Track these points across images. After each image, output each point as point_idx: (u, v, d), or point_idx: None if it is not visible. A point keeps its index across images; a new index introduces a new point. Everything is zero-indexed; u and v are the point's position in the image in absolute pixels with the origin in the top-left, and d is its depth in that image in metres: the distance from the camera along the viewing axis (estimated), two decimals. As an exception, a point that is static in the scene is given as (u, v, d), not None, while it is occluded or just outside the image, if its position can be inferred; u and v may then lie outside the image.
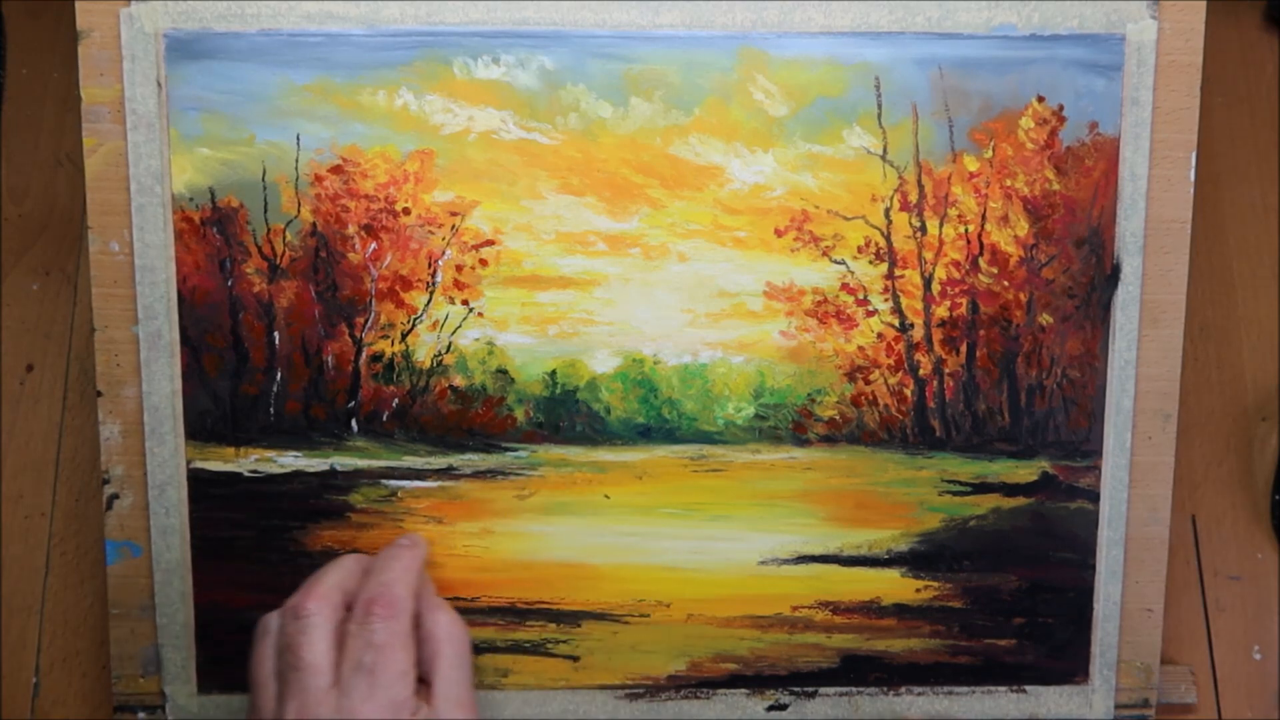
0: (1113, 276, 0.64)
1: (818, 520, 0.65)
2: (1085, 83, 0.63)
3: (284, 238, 0.63)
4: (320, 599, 0.55)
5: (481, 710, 0.65)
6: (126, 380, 0.63)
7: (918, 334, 0.65)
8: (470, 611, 0.65)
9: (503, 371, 0.64)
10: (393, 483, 0.64)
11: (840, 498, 0.65)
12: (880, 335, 0.65)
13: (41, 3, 0.74)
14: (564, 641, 0.65)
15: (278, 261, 0.63)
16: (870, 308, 0.65)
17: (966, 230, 0.64)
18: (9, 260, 0.72)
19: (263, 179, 0.63)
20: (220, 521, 0.64)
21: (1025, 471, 0.65)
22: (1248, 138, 0.75)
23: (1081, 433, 0.65)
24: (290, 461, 0.64)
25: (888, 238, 0.64)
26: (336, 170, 0.63)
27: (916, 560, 0.65)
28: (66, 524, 0.69)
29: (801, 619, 0.65)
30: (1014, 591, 0.66)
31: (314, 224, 0.63)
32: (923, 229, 0.64)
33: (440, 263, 0.64)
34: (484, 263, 0.64)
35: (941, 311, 0.65)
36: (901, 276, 0.64)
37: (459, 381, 0.64)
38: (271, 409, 0.64)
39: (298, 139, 0.62)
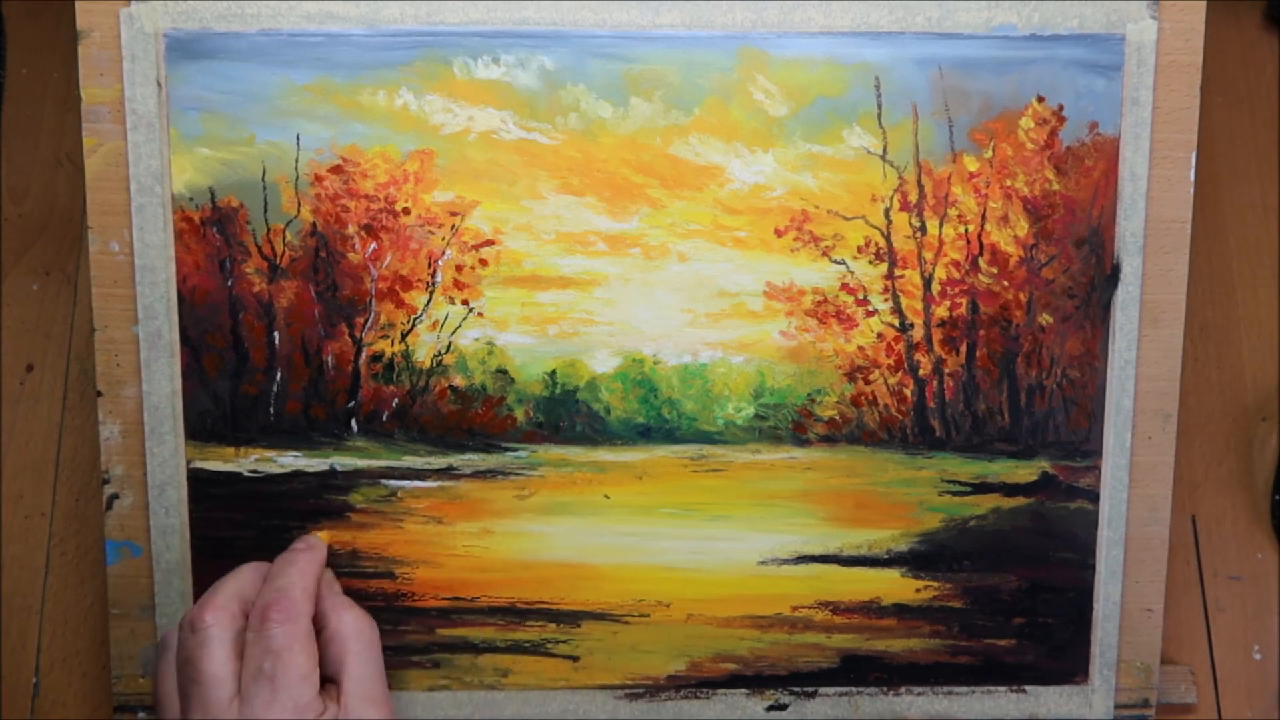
0: (1113, 276, 0.64)
1: (818, 520, 0.65)
2: (1085, 83, 0.63)
3: (284, 238, 0.63)
4: (216, 610, 0.55)
5: (482, 710, 0.65)
6: (126, 380, 0.63)
7: (918, 334, 0.65)
8: (470, 611, 0.65)
9: (503, 371, 0.64)
10: (393, 483, 0.64)
11: (840, 498, 0.65)
12: (880, 335, 0.65)
13: (41, 3, 0.74)
14: (564, 641, 0.65)
15: (278, 261, 0.63)
16: (870, 308, 0.65)
17: (966, 230, 0.64)
18: (9, 260, 0.72)
19: (263, 179, 0.63)
20: (220, 521, 0.64)
21: (1025, 471, 0.65)
22: (1248, 138, 0.75)
23: (1081, 433, 0.65)
24: (290, 461, 0.64)
25: (888, 238, 0.64)
26: (336, 170, 0.63)
27: (916, 560, 0.65)
28: (66, 524, 0.69)
29: (801, 619, 0.65)
30: (1014, 591, 0.66)
31: (314, 224, 0.63)
32: (923, 229, 0.64)
33: (440, 263, 0.64)
34: (484, 263, 0.64)
35: (941, 311, 0.65)
36: (901, 276, 0.64)
37: (459, 381, 0.64)
38: (271, 409, 0.64)
39: (298, 139, 0.62)
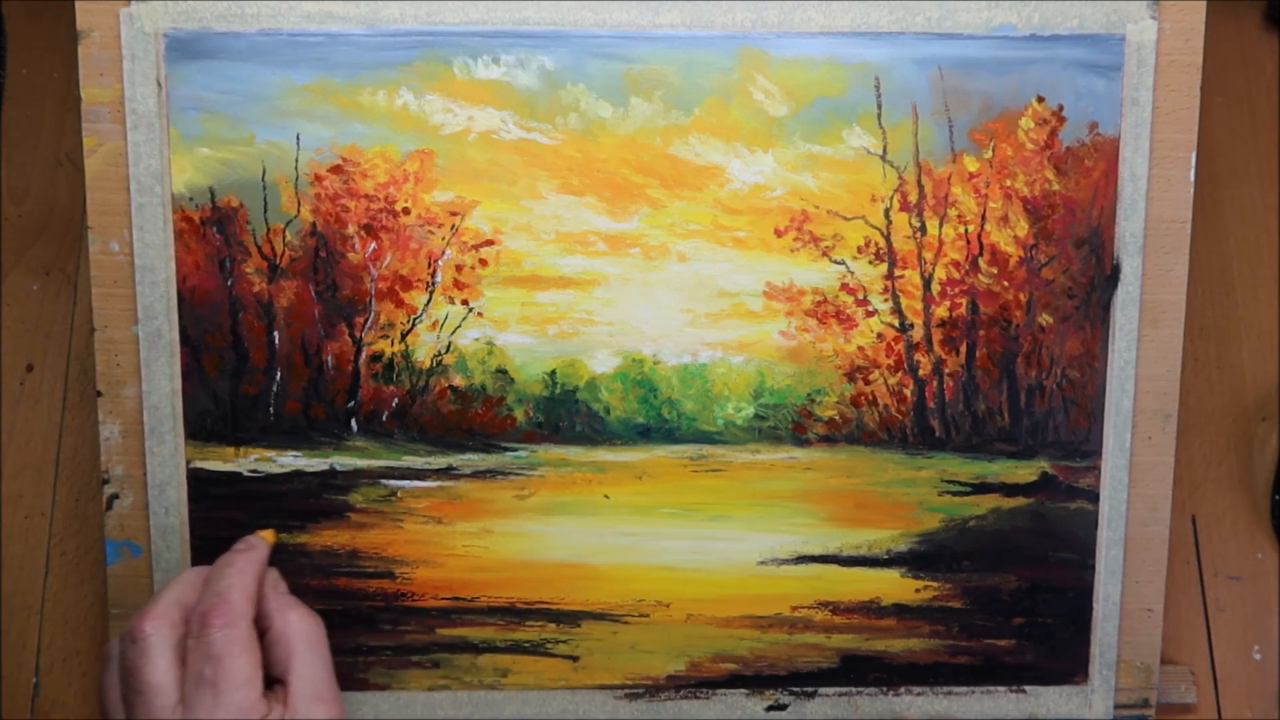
0: (1113, 276, 0.64)
1: (817, 520, 0.65)
2: (1085, 83, 0.63)
3: (284, 237, 0.63)
4: (156, 618, 0.54)
5: (482, 710, 0.65)
6: (126, 380, 0.63)
7: (917, 334, 0.65)
8: (470, 611, 0.65)
9: (502, 371, 0.64)
10: (392, 483, 0.64)
11: (840, 498, 0.65)
12: (880, 335, 0.65)
13: (41, 3, 0.74)
14: (564, 641, 0.65)
15: (277, 261, 0.63)
16: (870, 308, 0.65)
17: (966, 230, 0.64)
18: (9, 260, 0.72)
19: (263, 179, 0.63)
20: (220, 521, 0.64)
21: (1025, 472, 0.65)
22: (1248, 138, 0.75)
23: (1081, 433, 0.65)
24: (290, 461, 0.64)
25: (887, 238, 0.64)
26: (336, 170, 0.63)
27: (916, 560, 0.65)
28: (66, 524, 0.69)
29: (801, 619, 0.65)
30: (1014, 591, 0.66)
31: (314, 224, 0.63)
32: (922, 229, 0.64)
33: (440, 263, 0.64)
34: (484, 263, 0.64)
35: (941, 312, 0.65)
36: (901, 276, 0.64)
37: (459, 381, 0.64)
38: (271, 409, 0.64)
39: (298, 139, 0.62)
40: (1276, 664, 0.70)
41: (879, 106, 0.63)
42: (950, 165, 0.64)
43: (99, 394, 0.63)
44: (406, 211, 0.63)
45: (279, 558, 0.63)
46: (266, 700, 0.54)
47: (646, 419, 0.65)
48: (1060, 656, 0.66)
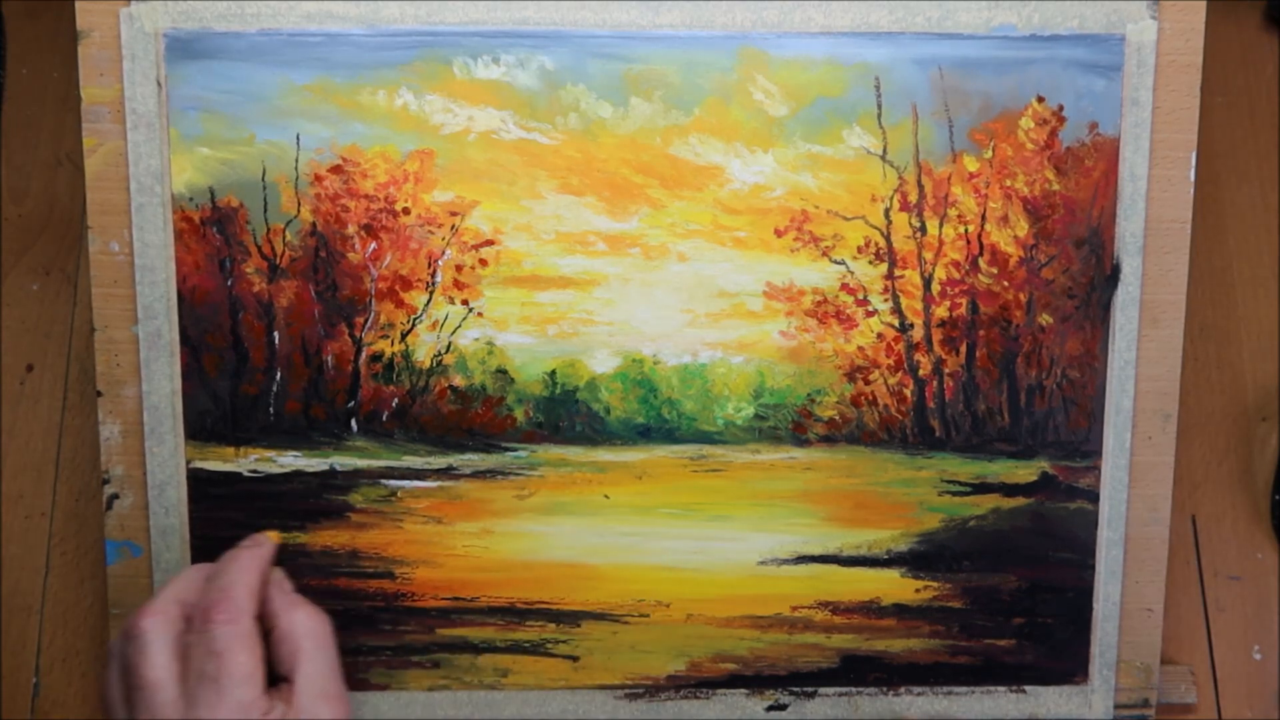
0: (1113, 277, 0.64)
1: (817, 520, 0.65)
2: (1085, 83, 0.63)
3: (284, 237, 0.63)
4: (154, 614, 0.54)
5: (482, 710, 0.65)
6: (126, 380, 0.63)
7: (917, 334, 0.65)
8: (470, 611, 0.65)
9: (502, 371, 0.64)
10: (392, 483, 0.64)
11: (840, 498, 0.65)
12: (880, 335, 0.65)
13: (41, 3, 0.74)
14: (564, 641, 0.65)
15: (277, 261, 0.63)
16: (870, 308, 0.65)
17: (966, 230, 0.64)
18: (9, 260, 0.72)
19: (263, 179, 0.63)
20: (220, 521, 0.64)
21: (1025, 472, 0.65)
22: (1248, 138, 0.75)
23: (1081, 433, 0.65)
24: (290, 461, 0.64)
25: (887, 238, 0.64)
26: (336, 170, 0.63)
27: (916, 560, 0.65)
28: (66, 524, 0.69)
29: (801, 619, 0.65)
30: (1014, 591, 0.66)
31: (314, 224, 0.63)
32: (922, 229, 0.64)
33: (440, 263, 0.64)
34: (484, 263, 0.64)
35: (941, 312, 0.65)
36: (901, 276, 0.64)
37: (459, 381, 0.64)
38: (271, 409, 0.64)
39: (298, 139, 0.62)
40: (1276, 664, 0.70)
41: (879, 106, 0.63)
42: (950, 165, 0.64)
43: (99, 394, 0.63)
44: (406, 211, 0.63)
45: (280, 558, 0.63)
46: (269, 697, 0.54)
47: (646, 419, 0.65)
48: (1060, 656, 0.66)
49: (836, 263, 0.64)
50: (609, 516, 0.65)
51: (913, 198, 0.64)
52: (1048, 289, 0.65)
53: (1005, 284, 0.65)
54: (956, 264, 0.64)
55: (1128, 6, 0.63)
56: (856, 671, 0.66)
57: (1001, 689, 0.66)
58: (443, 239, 0.63)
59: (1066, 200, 0.64)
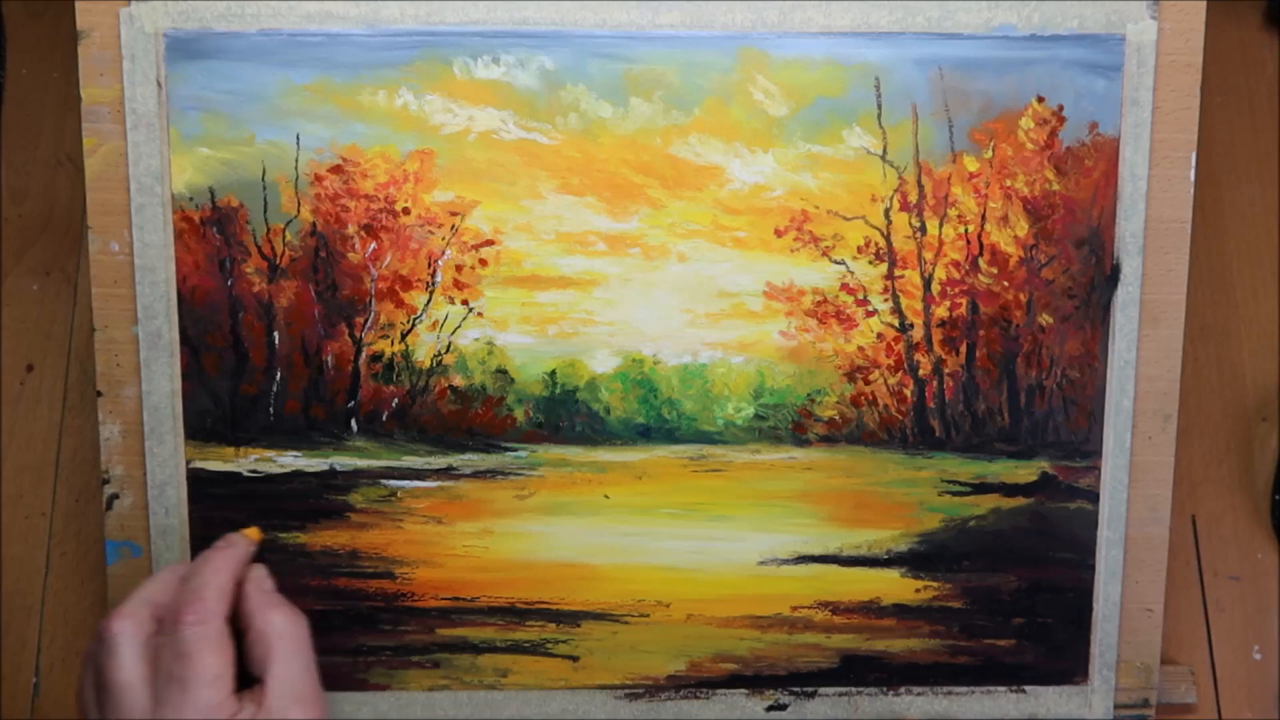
0: (1113, 276, 0.64)
1: (817, 520, 0.65)
2: (1085, 83, 0.63)
3: (284, 237, 0.63)
4: (124, 617, 0.54)
5: (482, 710, 0.65)
6: (126, 380, 0.63)
7: (917, 334, 0.65)
8: (470, 611, 0.65)
9: (502, 371, 0.64)
10: (392, 483, 0.64)
11: (840, 498, 0.65)
12: (880, 335, 0.65)
13: (41, 3, 0.74)
14: (564, 641, 0.65)
15: (277, 261, 0.63)
16: (870, 308, 0.65)
17: (966, 230, 0.64)
18: (9, 260, 0.72)
19: (263, 179, 0.63)
20: (220, 521, 0.64)
21: (1025, 472, 0.65)
22: (1248, 138, 0.75)
23: (1081, 433, 0.65)
24: (290, 461, 0.64)
25: (887, 238, 0.64)
26: (336, 170, 0.63)
27: (916, 560, 0.65)
28: (66, 524, 0.69)
29: (801, 619, 0.65)
30: (1014, 591, 0.66)
31: (314, 224, 0.63)
32: (922, 229, 0.64)
33: (440, 263, 0.64)
34: (484, 263, 0.64)
35: (941, 312, 0.65)
36: (901, 277, 0.64)
37: (459, 381, 0.64)
38: (271, 409, 0.64)
39: (298, 139, 0.62)
40: (1276, 664, 0.70)
41: (879, 106, 0.63)
42: (950, 165, 0.64)
43: (99, 394, 0.63)
44: (406, 211, 0.63)
45: (278, 558, 0.63)
46: (239, 699, 0.53)
47: (646, 419, 0.65)
48: (1060, 656, 0.66)
49: (836, 263, 0.64)
50: (609, 516, 0.65)
51: (913, 198, 0.64)
52: (1048, 289, 0.65)
53: (1005, 284, 0.65)
54: (956, 264, 0.64)
55: (1128, 6, 0.63)
56: (856, 671, 0.66)
57: (1001, 689, 0.66)
58: (443, 239, 0.63)
59: (1066, 200, 0.64)
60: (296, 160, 0.63)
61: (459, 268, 0.64)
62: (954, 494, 0.65)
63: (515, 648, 0.65)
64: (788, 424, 0.65)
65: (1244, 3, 0.76)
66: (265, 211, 0.63)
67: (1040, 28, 0.63)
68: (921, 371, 0.65)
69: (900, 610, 0.66)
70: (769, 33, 0.62)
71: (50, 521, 0.69)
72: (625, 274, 0.64)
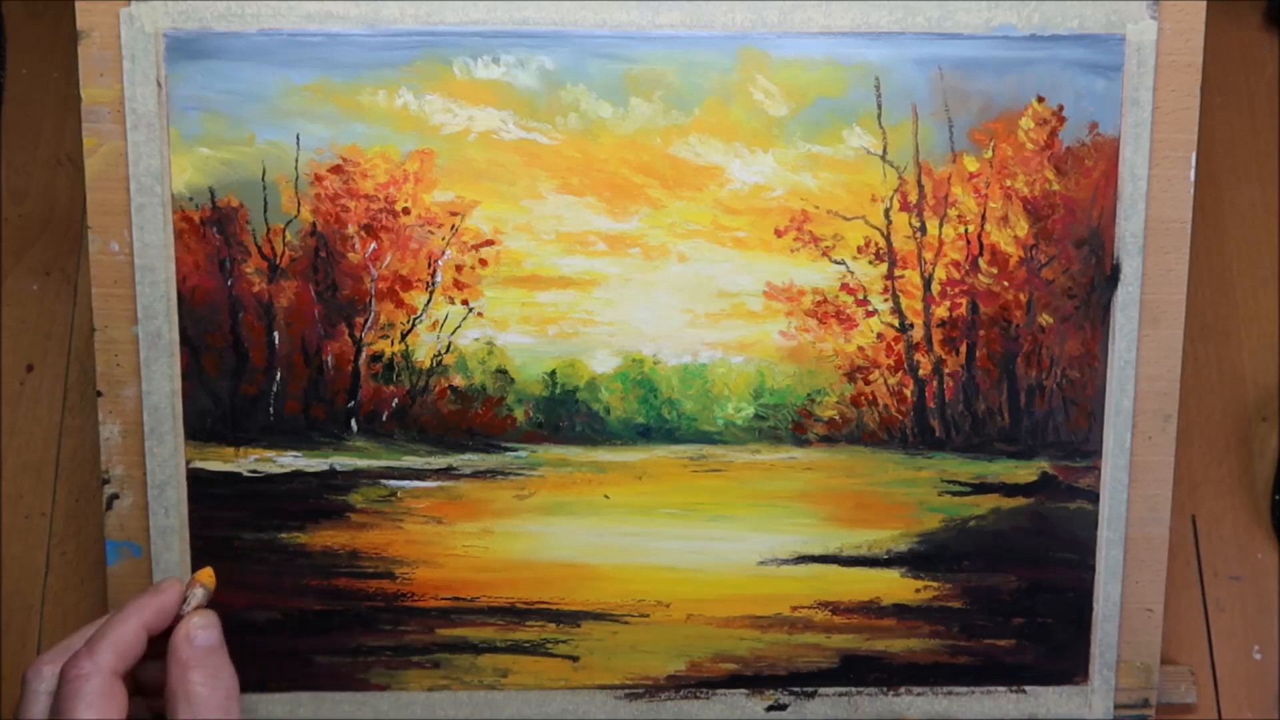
0: (1112, 277, 0.64)
1: (817, 520, 0.65)
2: (1085, 83, 0.63)
3: (284, 237, 0.63)
4: (40, 664, 0.53)
5: (482, 710, 0.65)
6: (126, 380, 0.63)
7: (917, 334, 0.65)
8: (470, 611, 0.65)
9: (502, 371, 0.64)
10: (392, 483, 0.64)
11: (840, 498, 0.65)
12: (880, 335, 0.65)
13: (41, 3, 0.74)
14: (564, 641, 0.65)
15: (277, 261, 0.63)
16: (870, 308, 0.65)
17: (966, 230, 0.64)
18: (9, 260, 0.72)
19: (263, 179, 0.63)
20: (220, 521, 0.64)
21: (1025, 472, 0.65)
22: (1248, 138, 0.75)
23: (1081, 433, 0.65)
24: (290, 461, 0.64)
25: (887, 238, 0.64)
26: (336, 170, 0.63)
27: (916, 560, 0.65)
28: (66, 524, 0.69)
29: (801, 619, 0.65)
30: (1013, 592, 0.66)
31: (314, 224, 0.63)
32: (922, 229, 0.64)
33: (440, 263, 0.64)
34: (484, 263, 0.64)
35: (941, 312, 0.65)
36: (901, 277, 0.65)
37: (459, 381, 0.64)
38: (271, 409, 0.64)
39: (298, 139, 0.62)
40: (1276, 664, 0.70)
41: (879, 106, 0.63)
42: (950, 165, 0.64)
43: (99, 394, 0.63)
44: (406, 211, 0.63)
45: (278, 558, 0.63)
46: None
47: (646, 419, 0.65)
48: (1060, 656, 0.66)
49: (836, 263, 0.64)
50: (609, 516, 0.65)
51: (913, 198, 0.64)
52: (1048, 289, 0.65)
53: (1005, 284, 0.65)
54: (956, 264, 0.64)
55: (1128, 6, 0.63)
56: (856, 671, 0.66)
57: (1001, 689, 0.66)
58: (443, 239, 0.63)
59: (1066, 200, 0.64)
60: (296, 160, 0.63)
61: (459, 268, 0.64)
62: (954, 494, 0.65)
63: (515, 648, 0.65)
64: (788, 424, 0.65)
65: (1244, 3, 0.76)
66: (265, 211, 0.63)
67: (1040, 28, 0.63)
68: (921, 371, 0.65)
69: (900, 610, 0.66)
70: (769, 33, 0.62)
71: (50, 521, 0.69)
72: (625, 274, 0.64)
